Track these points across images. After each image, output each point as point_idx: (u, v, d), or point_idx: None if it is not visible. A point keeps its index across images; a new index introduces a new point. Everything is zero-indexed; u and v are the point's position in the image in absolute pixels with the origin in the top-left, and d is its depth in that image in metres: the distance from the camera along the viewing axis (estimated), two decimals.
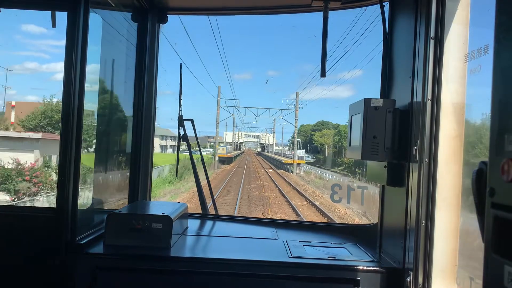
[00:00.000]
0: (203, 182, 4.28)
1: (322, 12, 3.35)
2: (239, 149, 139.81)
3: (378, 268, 2.74)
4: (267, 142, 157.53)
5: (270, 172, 57.32)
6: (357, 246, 3.24)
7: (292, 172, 57.64)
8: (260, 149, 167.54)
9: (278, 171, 60.42)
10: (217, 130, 63.42)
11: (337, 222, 19.99)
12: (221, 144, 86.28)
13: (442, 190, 2.44)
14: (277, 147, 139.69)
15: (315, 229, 3.81)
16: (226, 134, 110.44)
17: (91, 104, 3.19)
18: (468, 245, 2.45)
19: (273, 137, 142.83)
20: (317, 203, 25.14)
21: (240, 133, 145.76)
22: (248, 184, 37.37)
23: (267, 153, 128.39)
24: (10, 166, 21.01)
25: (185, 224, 3.56)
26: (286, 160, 68.50)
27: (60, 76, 2.76)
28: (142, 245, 2.85)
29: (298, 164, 60.82)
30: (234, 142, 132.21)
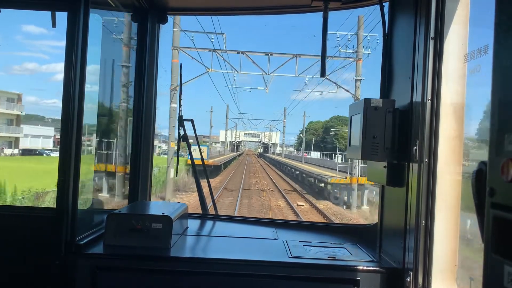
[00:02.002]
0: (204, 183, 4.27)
1: (322, 13, 3.36)
2: (237, 150, 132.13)
3: (378, 268, 2.74)
4: (270, 142, 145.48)
5: (302, 210, 24.59)
6: (357, 246, 3.23)
7: (349, 207, 28.38)
8: (262, 150, 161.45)
9: (318, 204, 26.95)
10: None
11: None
12: (204, 143, 66.20)
13: (441, 190, 2.44)
14: (280, 148, 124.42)
15: (315, 229, 3.81)
16: (212, 127, 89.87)
17: (91, 104, 3.20)
18: (468, 245, 2.45)
19: (283, 132, 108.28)
20: None
21: (238, 131, 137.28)
22: None
23: (273, 156, 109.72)
24: None
25: (185, 224, 3.56)
26: (334, 179, 31.98)
27: (60, 76, 2.77)
28: (142, 245, 2.85)
29: (361, 185, 28.84)
30: (231, 142, 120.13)
